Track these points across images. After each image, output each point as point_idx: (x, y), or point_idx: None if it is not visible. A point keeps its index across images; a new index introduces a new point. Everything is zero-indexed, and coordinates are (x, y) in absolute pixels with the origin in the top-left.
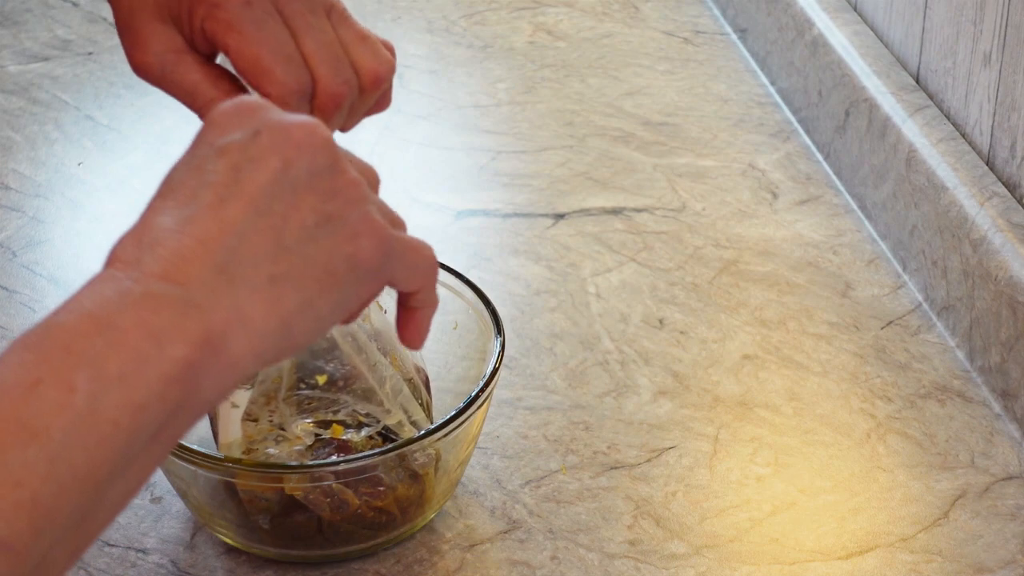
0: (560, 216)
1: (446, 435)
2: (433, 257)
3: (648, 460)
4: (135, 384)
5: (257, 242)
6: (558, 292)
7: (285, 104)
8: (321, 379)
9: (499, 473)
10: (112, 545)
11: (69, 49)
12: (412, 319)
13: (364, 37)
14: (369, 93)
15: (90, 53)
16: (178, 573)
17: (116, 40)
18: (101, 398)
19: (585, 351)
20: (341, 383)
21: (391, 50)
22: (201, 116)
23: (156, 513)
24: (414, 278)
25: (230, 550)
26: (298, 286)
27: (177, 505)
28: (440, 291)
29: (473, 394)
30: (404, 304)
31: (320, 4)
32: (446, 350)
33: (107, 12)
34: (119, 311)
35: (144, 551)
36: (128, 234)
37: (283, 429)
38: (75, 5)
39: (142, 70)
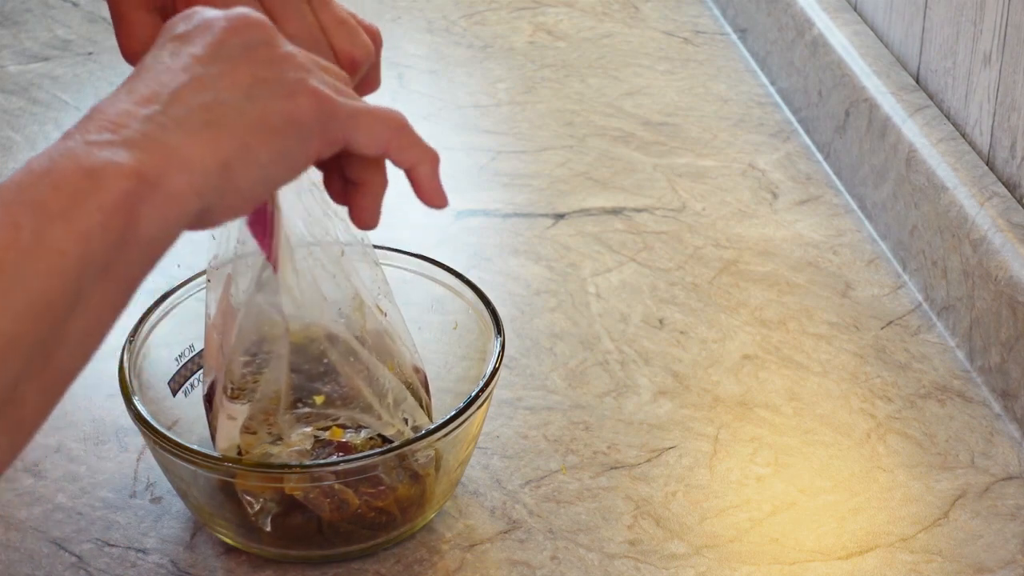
0: (560, 216)
1: (446, 435)
2: (400, 117)
3: (648, 460)
4: (76, 216)
5: (189, 94)
6: (558, 292)
7: None
8: (319, 399)
9: (499, 473)
10: (112, 545)
11: (69, 49)
12: (363, 197)
13: (343, 21)
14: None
15: (90, 53)
16: (178, 573)
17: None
18: (45, 231)
19: (585, 351)
20: (339, 402)
21: (374, 33)
22: None
23: (156, 513)
24: (377, 138)
25: (230, 550)
26: (234, 133)
27: (177, 505)
28: (440, 291)
29: (473, 394)
30: (357, 179)
31: None
32: (446, 350)
33: (107, 12)
34: (59, 160)
35: (144, 551)
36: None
37: (281, 439)
38: (75, 5)
39: (130, 57)
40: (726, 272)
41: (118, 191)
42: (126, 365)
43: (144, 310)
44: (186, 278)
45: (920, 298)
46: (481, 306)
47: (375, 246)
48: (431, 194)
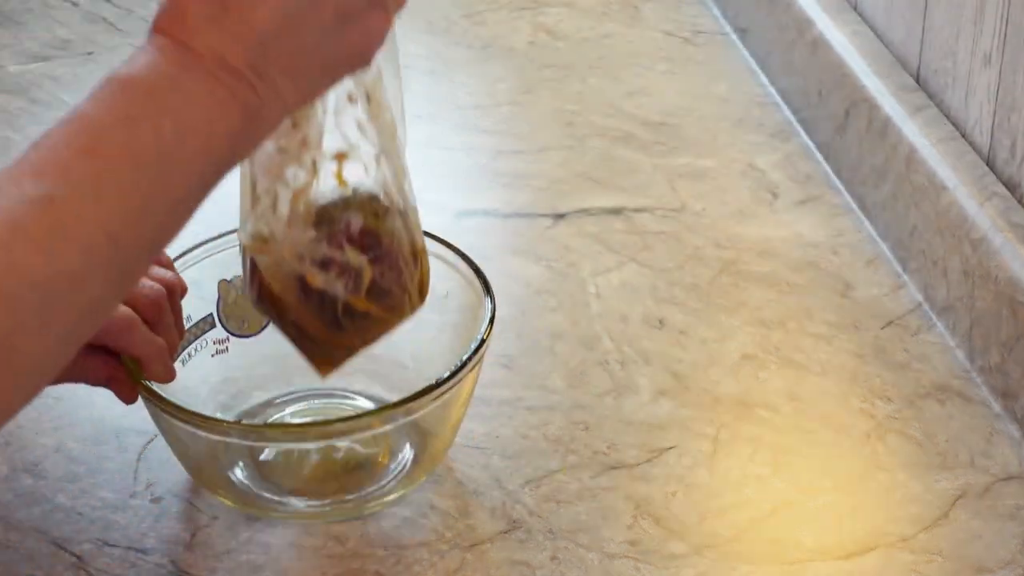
0: (560, 216)
1: (443, 394)
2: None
3: (648, 460)
4: (202, 133)
5: (282, 44)
6: (558, 292)
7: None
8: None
9: (499, 473)
10: (112, 545)
11: (69, 49)
12: None
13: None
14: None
15: (90, 53)
16: (178, 573)
17: (116, 40)
18: (186, 141)
19: (585, 351)
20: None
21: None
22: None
23: (156, 513)
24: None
25: (230, 551)
26: (313, 74)
27: (177, 505)
28: (431, 261)
29: (472, 349)
30: None
31: None
32: (439, 320)
33: (107, 12)
34: (187, 76)
35: (144, 551)
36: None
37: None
38: (75, 5)
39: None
40: (726, 272)
41: (236, 124)
42: None
43: None
44: (182, 250)
45: (920, 298)
46: (471, 274)
47: None
48: None
